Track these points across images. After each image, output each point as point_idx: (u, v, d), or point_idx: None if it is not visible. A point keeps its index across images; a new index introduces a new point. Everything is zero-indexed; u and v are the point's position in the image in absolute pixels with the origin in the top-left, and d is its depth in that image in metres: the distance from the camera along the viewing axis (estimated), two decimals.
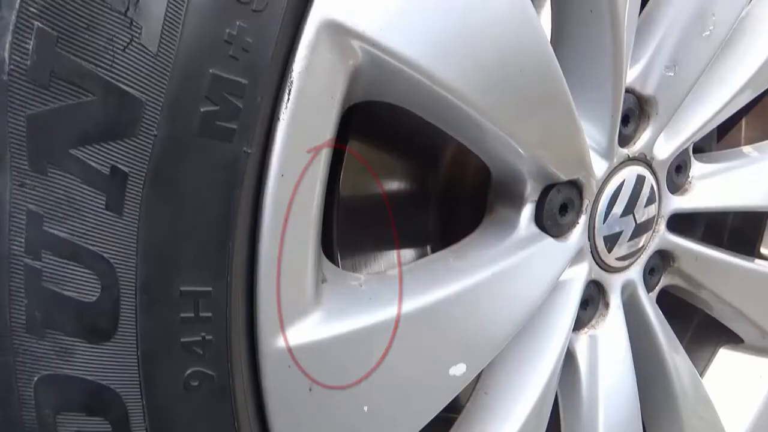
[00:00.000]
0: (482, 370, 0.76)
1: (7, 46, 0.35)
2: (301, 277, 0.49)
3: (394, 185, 0.85)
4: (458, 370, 0.61)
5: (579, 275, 0.80)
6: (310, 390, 0.50)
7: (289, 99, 0.45)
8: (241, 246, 0.44)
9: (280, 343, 0.48)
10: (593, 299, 0.86)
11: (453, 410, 0.95)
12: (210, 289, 0.43)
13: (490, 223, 0.75)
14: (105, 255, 0.39)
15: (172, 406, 0.43)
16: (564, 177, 0.72)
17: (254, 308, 0.46)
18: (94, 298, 0.39)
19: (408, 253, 0.86)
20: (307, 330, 0.50)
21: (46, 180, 0.37)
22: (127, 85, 0.37)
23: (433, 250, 0.86)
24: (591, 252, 0.80)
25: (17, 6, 0.34)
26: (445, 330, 0.60)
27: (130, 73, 0.37)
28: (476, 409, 0.71)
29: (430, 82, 0.52)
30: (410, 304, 0.57)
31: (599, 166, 0.76)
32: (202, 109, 0.40)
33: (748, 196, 0.93)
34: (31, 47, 0.35)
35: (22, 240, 0.37)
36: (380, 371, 0.55)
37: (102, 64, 0.37)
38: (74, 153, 0.37)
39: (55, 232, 0.37)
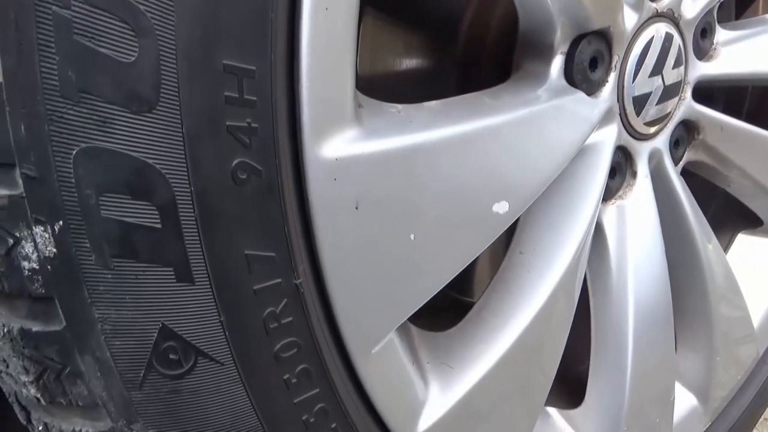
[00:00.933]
0: (516, 230, 0.75)
1: None
2: (342, 83, 0.46)
3: (415, 57, 0.82)
4: (501, 207, 0.58)
5: (608, 138, 0.78)
6: (357, 208, 0.47)
7: None
8: (281, 24, 0.40)
9: (325, 151, 0.45)
10: (620, 167, 0.84)
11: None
12: (254, 68, 0.39)
13: (518, 78, 0.73)
14: (140, 6, 0.34)
15: (221, 198, 0.39)
16: (596, 23, 0.70)
17: (296, 104, 0.42)
18: (133, 59, 0.35)
19: None
20: (349, 143, 0.47)
21: None
22: None
23: None
24: (620, 114, 0.78)
25: None
26: (487, 163, 0.57)
27: None
28: (512, 267, 0.69)
29: None
30: (452, 130, 0.54)
31: (629, 18, 0.74)
32: None
33: None
34: None
35: None
36: (424, 196, 0.52)
37: None
38: None
39: None
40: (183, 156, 0.37)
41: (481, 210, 0.56)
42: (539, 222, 0.72)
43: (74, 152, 0.35)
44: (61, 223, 0.36)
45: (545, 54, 0.71)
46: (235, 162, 0.40)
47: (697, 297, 0.95)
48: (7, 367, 0.40)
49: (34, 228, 0.36)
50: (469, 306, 0.74)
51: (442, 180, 0.53)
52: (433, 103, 0.58)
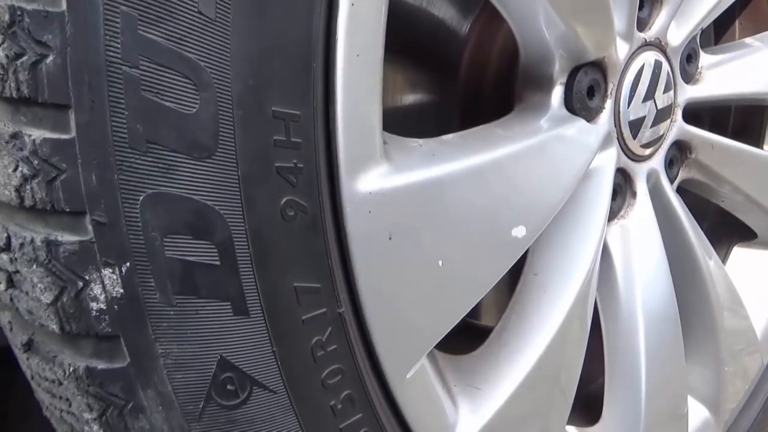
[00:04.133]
0: (529, 252, 0.79)
1: None
2: (371, 122, 0.50)
3: (417, 93, 0.86)
4: (519, 231, 0.62)
5: (608, 161, 0.83)
6: (390, 238, 0.51)
7: None
8: (320, 71, 0.44)
9: (359, 186, 0.49)
10: (621, 188, 0.89)
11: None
12: (299, 113, 0.43)
13: (522, 108, 0.78)
14: (201, 63, 0.38)
15: (273, 235, 0.42)
16: (591, 55, 0.75)
17: (333, 144, 0.46)
18: (194, 110, 0.38)
19: None
20: (380, 178, 0.51)
21: None
22: None
23: None
24: (618, 138, 0.84)
25: None
26: (504, 190, 0.61)
27: None
28: (528, 289, 0.73)
29: None
30: (472, 161, 0.58)
31: (621, 48, 0.80)
32: None
33: (755, 83, 0.98)
34: None
35: (119, 45, 0.36)
36: (450, 224, 0.56)
37: None
38: None
39: (151, 36, 0.37)
40: (239, 197, 0.41)
41: (501, 235, 0.60)
42: (551, 244, 0.76)
43: (141, 198, 0.38)
44: (128, 264, 0.39)
45: (545, 85, 0.76)
46: (284, 200, 0.43)
47: (702, 310, 0.99)
48: (70, 406, 0.43)
49: (102, 270, 0.39)
50: (479, 328, 0.77)
51: (464, 208, 0.57)
52: (451, 136, 0.62)
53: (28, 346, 0.44)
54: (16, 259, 0.40)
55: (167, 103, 0.38)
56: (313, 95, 0.43)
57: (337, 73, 0.45)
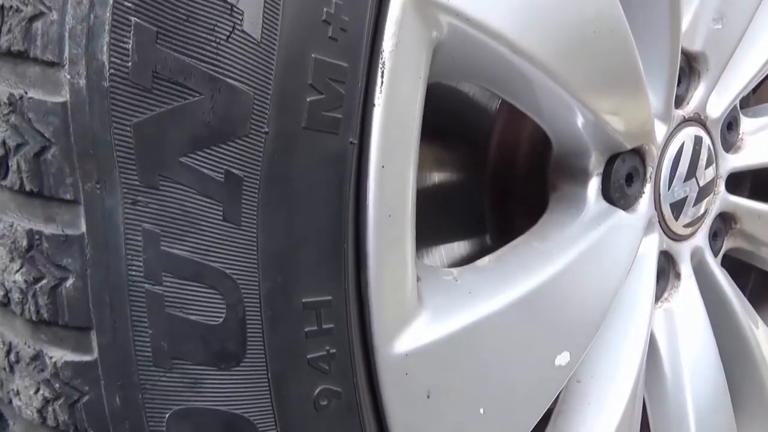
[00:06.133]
0: None
1: (105, 48, 0.32)
2: (405, 278, 0.47)
3: (446, 173, 0.84)
4: (563, 359, 0.59)
5: (651, 247, 0.79)
6: (428, 396, 0.48)
7: (383, 82, 0.43)
8: (350, 251, 0.42)
9: (395, 349, 0.46)
10: (664, 271, 0.85)
11: None
12: (330, 297, 0.41)
13: (557, 201, 0.74)
14: (227, 271, 0.36)
15: (305, 429, 0.40)
16: (629, 144, 0.72)
17: (366, 317, 0.44)
18: (221, 320, 0.36)
19: (467, 246, 0.85)
20: (416, 334, 0.48)
21: (158, 194, 0.34)
22: (234, 78, 0.35)
23: (492, 240, 0.85)
24: (659, 221, 0.80)
25: (111, 2, 0.32)
26: (547, 317, 0.58)
27: (235, 65, 0.35)
28: (571, 398, 0.70)
29: (511, 51, 0.51)
30: (512, 294, 0.55)
31: (659, 130, 0.76)
32: (308, 99, 0.38)
33: None
34: (130, 47, 0.33)
35: (141, 263, 0.34)
36: (490, 369, 0.53)
37: (206, 58, 0.35)
38: (185, 161, 0.34)
39: (175, 251, 0.35)
40: (269, 400, 0.39)
41: (544, 368, 0.57)
42: (594, 347, 0.72)
43: (167, 416, 0.36)
44: None
45: (581, 176, 0.73)
46: (318, 391, 0.41)
47: (752, 388, 0.94)
48: None
49: None
50: None
51: (504, 347, 0.54)
52: (486, 260, 0.59)
53: None
54: None
55: (192, 317, 0.36)
56: (345, 275, 0.41)
57: (368, 242, 0.43)
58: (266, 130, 0.36)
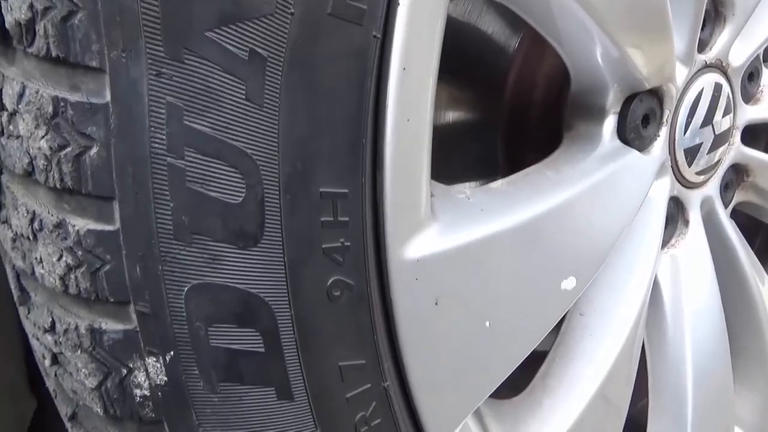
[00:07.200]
0: None
1: None
2: (419, 186, 0.48)
3: (460, 112, 0.84)
4: (569, 284, 0.60)
5: (661, 191, 0.80)
6: (436, 304, 0.50)
7: None
8: (368, 146, 0.43)
9: (407, 254, 0.47)
10: (673, 217, 0.86)
11: None
12: (347, 191, 0.42)
13: (571, 139, 0.75)
14: (248, 151, 0.37)
15: (318, 317, 0.42)
16: (648, 84, 0.71)
17: (380, 216, 0.45)
18: (240, 199, 0.38)
19: (475, 185, 0.86)
20: (428, 242, 0.49)
21: (183, 67, 0.35)
22: None
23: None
24: (672, 166, 0.80)
25: None
26: (555, 241, 0.59)
27: None
28: (573, 330, 0.71)
29: None
30: (523, 215, 0.56)
31: (680, 73, 0.76)
32: None
33: None
34: None
35: (164, 137, 0.35)
36: (497, 284, 0.54)
37: None
38: (211, 36, 0.35)
39: (197, 126, 0.36)
40: (284, 283, 0.40)
41: (550, 289, 0.58)
42: (598, 282, 0.74)
43: (186, 289, 0.38)
44: (172, 353, 0.39)
45: (597, 114, 0.73)
46: (331, 281, 0.42)
47: (753, 338, 0.96)
48: None
49: (146, 359, 0.39)
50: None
51: (512, 265, 0.55)
52: (499, 183, 0.60)
53: (73, 417, 0.44)
54: (60, 342, 0.40)
55: (213, 194, 0.37)
56: (362, 170, 0.42)
57: (386, 142, 0.43)
58: (292, 11, 0.36)
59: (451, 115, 0.88)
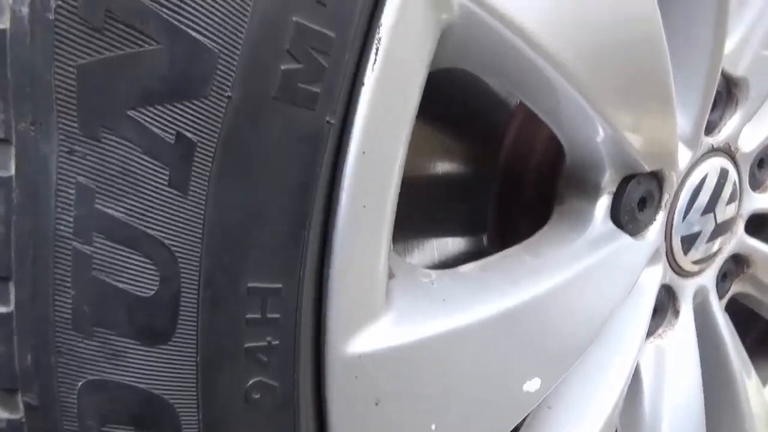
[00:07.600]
0: None
1: None
2: (374, 274, 0.44)
3: (450, 167, 0.80)
4: (533, 385, 0.56)
5: (653, 279, 0.75)
6: (377, 404, 0.46)
7: (375, 60, 0.40)
8: (314, 236, 0.39)
9: (349, 349, 0.43)
10: (662, 306, 0.81)
11: None
12: (280, 286, 0.38)
13: (561, 215, 0.70)
14: (166, 241, 0.33)
15: (231, 421, 0.38)
16: (648, 167, 0.67)
17: (323, 310, 0.41)
18: (152, 293, 0.34)
19: (462, 243, 0.82)
20: (377, 335, 0.45)
21: (99, 147, 0.31)
22: (198, 31, 0.32)
23: (490, 241, 0.81)
24: (666, 253, 0.76)
25: None
26: (523, 340, 0.55)
27: (201, 16, 0.32)
28: (539, 426, 0.67)
29: (528, 46, 0.47)
30: (489, 309, 0.52)
31: (683, 156, 0.71)
32: (282, 67, 0.34)
33: None
34: None
35: (71, 219, 0.32)
36: (450, 384, 0.50)
37: (168, 4, 0.31)
38: (133, 115, 0.31)
39: (109, 211, 0.32)
40: (194, 384, 0.36)
41: (509, 392, 0.54)
42: (571, 377, 0.69)
43: (80, 384, 0.34)
44: None
45: (592, 192, 0.69)
46: (251, 383, 0.38)
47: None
48: None
49: None
50: None
51: (471, 365, 0.51)
52: (471, 266, 0.56)
53: None
54: None
55: (121, 285, 0.33)
56: (301, 263, 0.38)
57: (337, 231, 0.40)
58: (229, 94, 0.33)
59: (441, 166, 0.84)
